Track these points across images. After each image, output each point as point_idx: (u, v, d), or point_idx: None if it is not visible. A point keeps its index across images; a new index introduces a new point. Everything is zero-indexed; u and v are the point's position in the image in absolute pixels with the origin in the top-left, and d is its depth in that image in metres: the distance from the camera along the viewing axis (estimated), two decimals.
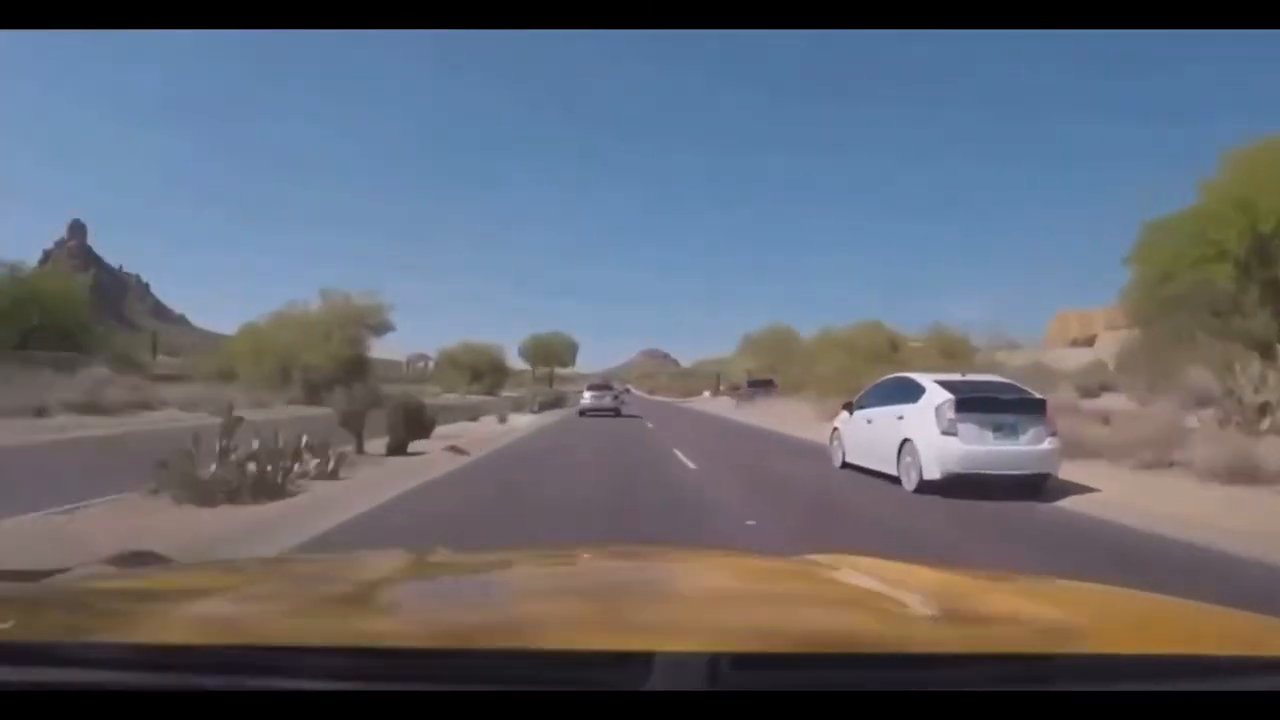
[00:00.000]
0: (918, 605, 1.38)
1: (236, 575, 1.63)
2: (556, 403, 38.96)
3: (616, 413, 28.30)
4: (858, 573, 1.68)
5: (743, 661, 0.85)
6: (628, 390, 36.38)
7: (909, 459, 9.26)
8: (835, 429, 12.11)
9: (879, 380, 11.39)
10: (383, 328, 34.89)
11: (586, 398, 28.86)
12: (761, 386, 41.56)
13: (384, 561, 1.71)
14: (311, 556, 1.84)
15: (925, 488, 8.88)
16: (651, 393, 76.80)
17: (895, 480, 9.52)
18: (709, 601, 1.41)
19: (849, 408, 11.55)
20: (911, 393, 9.70)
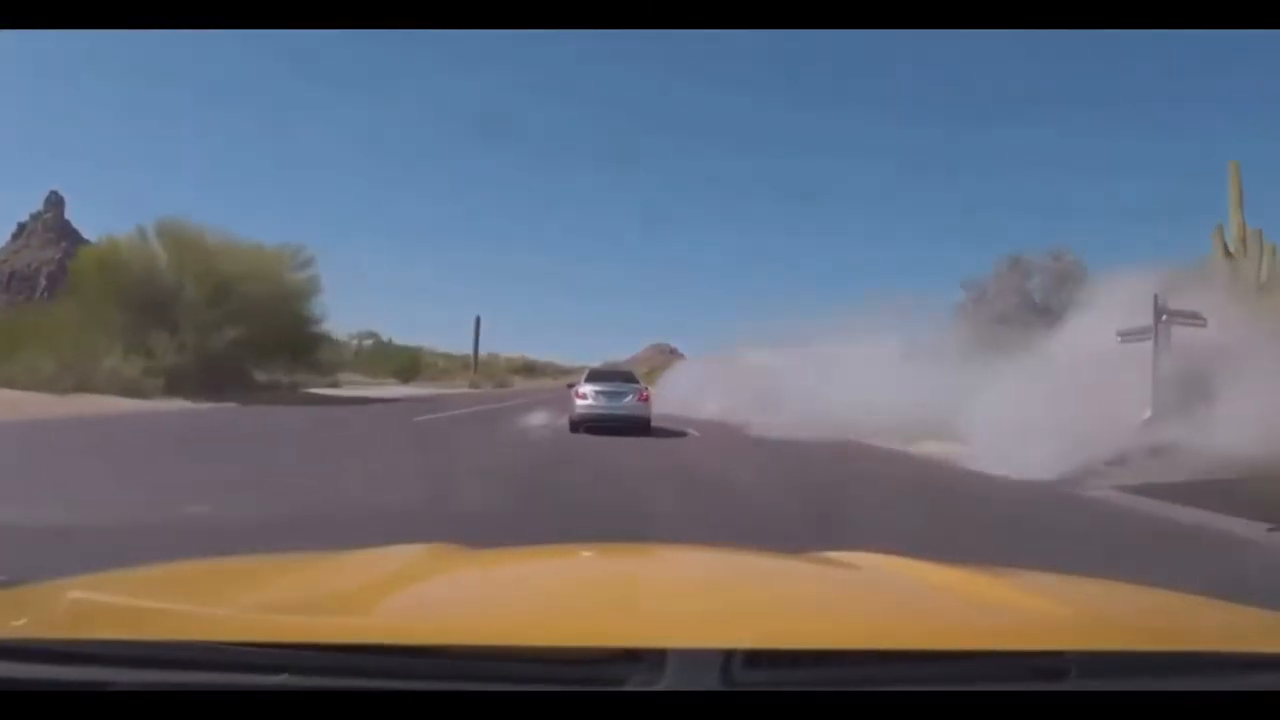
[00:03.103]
0: (934, 601, 1.37)
1: (245, 571, 1.62)
2: None
3: (646, 426, 14.87)
4: (872, 569, 1.67)
5: (757, 658, 0.85)
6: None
7: None
8: None
9: None
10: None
11: (586, 396, 14.88)
12: None
13: (390, 558, 1.69)
14: (318, 554, 1.83)
15: None
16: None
17: None
18: (722, 597, 1.40)
19: None
20: None
